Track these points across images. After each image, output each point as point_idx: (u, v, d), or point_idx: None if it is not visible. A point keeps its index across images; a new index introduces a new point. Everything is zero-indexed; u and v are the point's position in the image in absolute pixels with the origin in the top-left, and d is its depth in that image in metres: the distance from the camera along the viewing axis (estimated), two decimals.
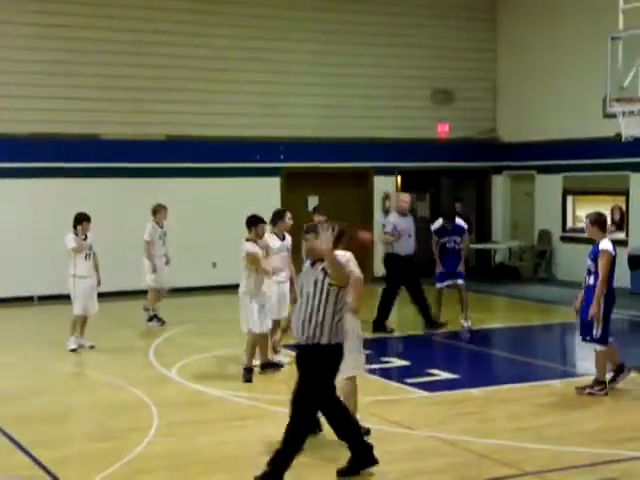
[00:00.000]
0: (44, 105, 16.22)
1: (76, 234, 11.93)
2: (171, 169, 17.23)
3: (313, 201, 17.99)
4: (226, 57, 17.59)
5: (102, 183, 16.68)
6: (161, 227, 13.99)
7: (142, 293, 16.34)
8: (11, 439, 8.04)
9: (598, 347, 9.33)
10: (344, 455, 6.96)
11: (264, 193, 17.96)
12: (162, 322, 13.82)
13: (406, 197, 13.64)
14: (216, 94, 17.56)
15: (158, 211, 13.89)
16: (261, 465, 6.61)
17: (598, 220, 9.43)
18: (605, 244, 9.29)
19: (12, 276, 16.06)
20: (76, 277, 11.91)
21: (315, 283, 6.65)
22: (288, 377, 10.39)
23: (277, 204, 18.00)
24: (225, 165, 17.71)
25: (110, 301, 16.03)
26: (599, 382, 9.33)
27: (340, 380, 7.81)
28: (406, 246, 13.09)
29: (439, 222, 13.59)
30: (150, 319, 13.85)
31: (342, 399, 7.80)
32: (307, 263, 6.91)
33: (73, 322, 12.00)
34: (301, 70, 18.31)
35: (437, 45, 19.37)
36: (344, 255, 7.97)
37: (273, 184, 18.15)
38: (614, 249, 9.35)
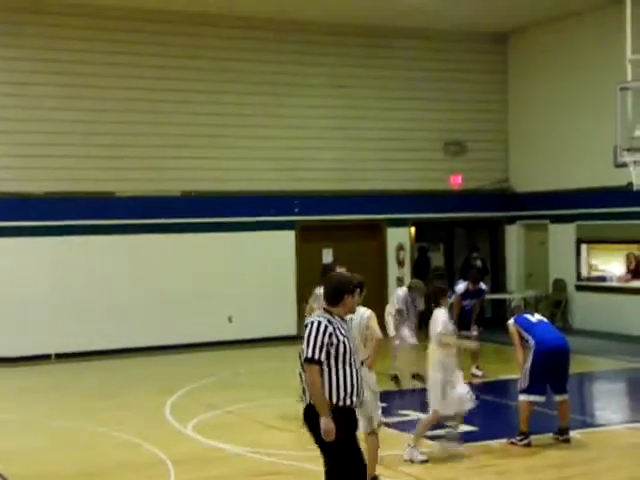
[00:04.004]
0: (58, 164, 16.38)
1: None
2: (186, 224, 17.36)
3: (327, 254, 18.10)
4: (239, 113, 17.80)
5: (119, 240, 16.79)
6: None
7: (160, 349, 16.55)
8: None
9: (519, 397, 9.43)
10: None
11: (279, 246, 18.09)
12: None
13: None
14: (230, 150, 17.75)
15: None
16: None
17: None
18: None
19: (31, 334, 16.06)
20: None
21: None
22: (302, 433, 10.36)
23: (292, 257, 18.18)
24: (240, 219, 17.83)
25: (128, 357, 16.12)
26: (520, 432, 9.28)
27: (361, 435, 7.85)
28: None
29: (464, 285, 13.52)
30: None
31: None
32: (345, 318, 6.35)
33: None
34: (314, 125, 18.50)
35: (449, 98, 19.57)
36: (365, 312, 8.04)
37: (288, 237, 18.25)
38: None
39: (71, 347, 16.20)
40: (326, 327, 5.94)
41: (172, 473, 8.62)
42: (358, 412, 7.84)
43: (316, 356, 5.90)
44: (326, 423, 5.84)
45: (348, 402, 5.99)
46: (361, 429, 7.86)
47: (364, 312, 8.04)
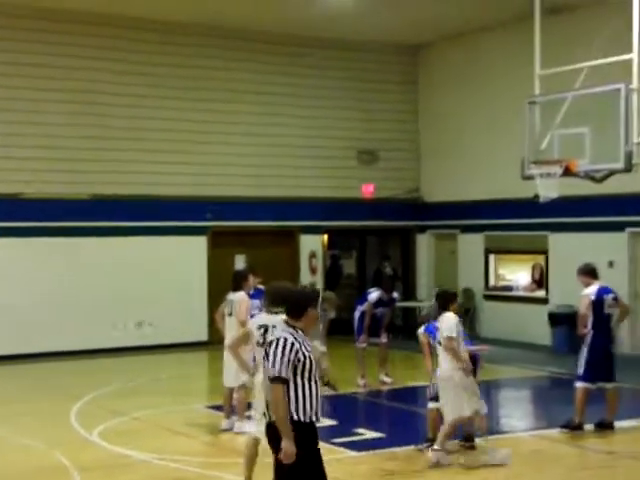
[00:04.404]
0: None
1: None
2: (96, 228, 17.06)
3: (240, 260, 18.04)
4: (153, 117, 17.64)
5: (27, 243, 16.41)
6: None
7: (66, 354, 16.20)
8: None
9: (429, 404, 9.57)
10: None
11: (191, 252, 17.95)
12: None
13: None
14: (142, 153, 17.54)
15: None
16: None
17: None
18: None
19: None
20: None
21: None
22: (210, 439, 10.30)
23: (204, 263, 18.05)
24: (151, 224, 17.62)
25: (33, 362, 15.75)
26: (427, 439, 9.42)
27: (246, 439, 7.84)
28: None
29: (377, 294, 13.61)
30: None
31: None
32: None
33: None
34: (229, 130, 18.44)
35: (362, 108, 19.79)
36: None
37: (200, 243, 18.12)
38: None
39: None
40: (292, 344, 5.77)
41: None
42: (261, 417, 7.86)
43: (282, 374, 5.72)
44: (289, 446, 5.68)
45: (314, 418, 5.86)
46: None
47: None
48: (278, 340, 5.84)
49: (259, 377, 8.03)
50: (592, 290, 10.40)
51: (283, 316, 7.97)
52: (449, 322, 9.09)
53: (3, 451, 9.83)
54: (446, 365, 9.08)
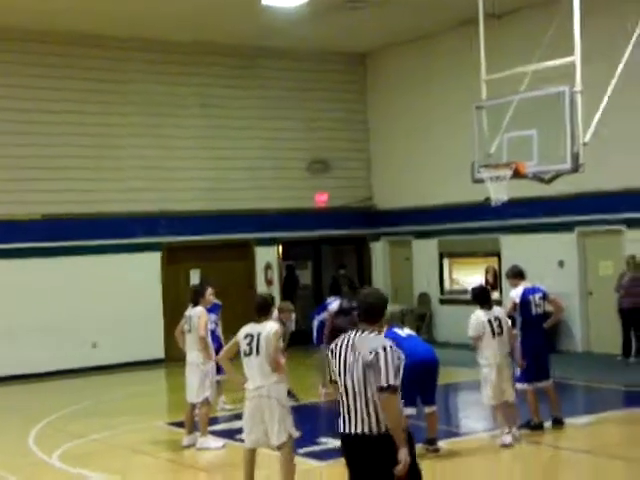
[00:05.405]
0: None
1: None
2: (48, 248, 16.84)
3: (195, 274, 17.93)
4: (102, 133, 17.50)
5: None
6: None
7: (20, 377, 15.93)
8: None
9: None
10: None
11: (144, 268, 17.79)
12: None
13: None
14: (93, 171, 17.39)
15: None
16: None
17: None
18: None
19: None
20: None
21: None
22: (173, 456, 10.21)
23: (158, 279, 17.91)
24: (104, 242, 17.43)
25: None
26: None
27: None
28: None
29: (337, 303, 13.40)
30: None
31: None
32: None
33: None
34: (181, 145, 18.37)
35: (311, 117, 19.86)
36: (273, 327, 8.03)
37: (153, 259, 17.98)
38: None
39: None
40: (395, 349, 5.56)
41: None
42: (261, 428, 7.80)
43: (397, 383, 5.47)
44: (406, 456, 5.46)
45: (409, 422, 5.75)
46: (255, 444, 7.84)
47: (272, 327, 8.00)
48: (385, 348, 5.54)
49: (250, 385, 7.94)
50: (517, 292, 10.56)
51: (267, 324, 7.95)
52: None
53: None
54: (502, 350, 9.96)
